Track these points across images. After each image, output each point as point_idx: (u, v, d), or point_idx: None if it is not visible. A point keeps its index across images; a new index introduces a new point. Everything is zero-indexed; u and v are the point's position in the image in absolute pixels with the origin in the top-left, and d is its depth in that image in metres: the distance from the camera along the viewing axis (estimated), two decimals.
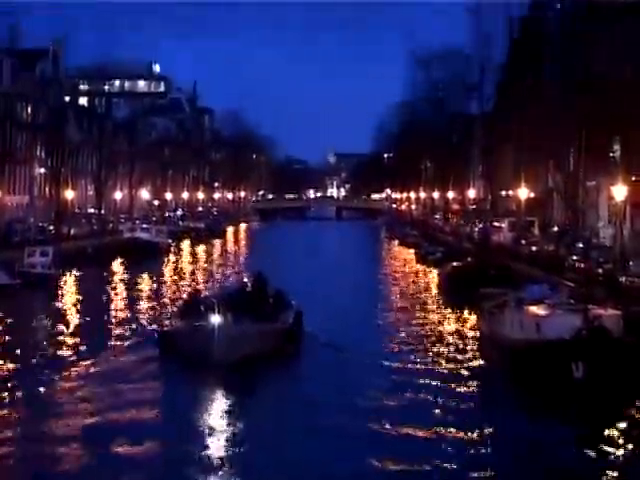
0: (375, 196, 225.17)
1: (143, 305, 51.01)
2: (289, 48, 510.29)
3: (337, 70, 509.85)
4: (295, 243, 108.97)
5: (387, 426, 24.56)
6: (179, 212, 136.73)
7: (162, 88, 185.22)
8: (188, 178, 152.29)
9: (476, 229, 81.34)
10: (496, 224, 76.21)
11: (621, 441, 23.61)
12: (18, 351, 35.19)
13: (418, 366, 32.50)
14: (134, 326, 42.09)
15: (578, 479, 21.71)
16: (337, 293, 54.58)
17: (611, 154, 54.23)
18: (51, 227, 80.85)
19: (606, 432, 24.14)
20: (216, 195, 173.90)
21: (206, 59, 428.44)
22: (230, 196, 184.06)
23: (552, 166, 65.61)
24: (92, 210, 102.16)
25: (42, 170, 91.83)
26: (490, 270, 50.58)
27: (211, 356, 31.03)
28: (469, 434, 23.93)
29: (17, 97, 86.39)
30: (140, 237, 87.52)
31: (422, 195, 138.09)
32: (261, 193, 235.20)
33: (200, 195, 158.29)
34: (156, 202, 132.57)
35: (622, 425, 24.80)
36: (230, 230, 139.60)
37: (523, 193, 68.26)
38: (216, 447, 23.17)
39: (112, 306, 50.71)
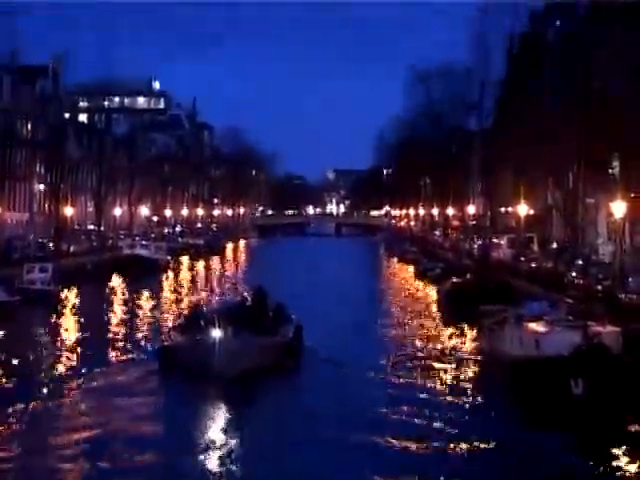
0: (374, 212, 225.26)
1: (143, 321, 51.13)
2: (289, 65, 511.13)
3: (336, 87, 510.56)
4: (294, 259, 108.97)
5: (387, 439, 24.67)
6: (178, 228, 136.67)
7: (162, 104, 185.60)
8: (187, 194, 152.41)
9: (475, 245, 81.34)
10: (495, 240, 76.25)
11: (620, 457, 23.61)
12: (18, 367, 35.28)
13: (418, 381, 32.62)
14: (134, 341, 42.31)
15: None
16: (336, 309, 54.61)
17: (610, 171, 54.26)
18: (51, 243, 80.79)
19: (605, 448, 24.16)
20: (215, 211, 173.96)
21: (205, 76, 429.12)
22: (229, 212, 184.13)
23: (551, 183, 65.67)
24: (92, 226, 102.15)
25: (42, 186, 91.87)
26: (489, 287, 50.56)
27: (212, 370, 31.19)
28: (468, 448, 24.01)
29: (17, 113, 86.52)
30: (139, 253, 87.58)
31: (421, 211, 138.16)
32: (260, 209, 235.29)
33: (199, 211, 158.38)
34: (155, 218, 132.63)
35: (621, 441, 24.80)
36: (229, 247, 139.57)
37: (522, 210, 68.29)
38: (216, 459, 23.27)
39: (112, 322, 50.78)
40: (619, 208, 45.70)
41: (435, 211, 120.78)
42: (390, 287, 75.85)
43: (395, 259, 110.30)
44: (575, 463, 23.29)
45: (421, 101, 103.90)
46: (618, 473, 22.50)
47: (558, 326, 30.47)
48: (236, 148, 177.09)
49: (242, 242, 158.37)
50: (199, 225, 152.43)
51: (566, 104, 55.58)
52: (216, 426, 27.10)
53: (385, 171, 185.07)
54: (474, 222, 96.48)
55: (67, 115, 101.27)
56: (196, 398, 30.30)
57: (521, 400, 29.01)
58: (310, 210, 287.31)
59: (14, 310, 49.68)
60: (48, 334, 44.80)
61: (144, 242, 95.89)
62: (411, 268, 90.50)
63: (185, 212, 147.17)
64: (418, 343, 42.09)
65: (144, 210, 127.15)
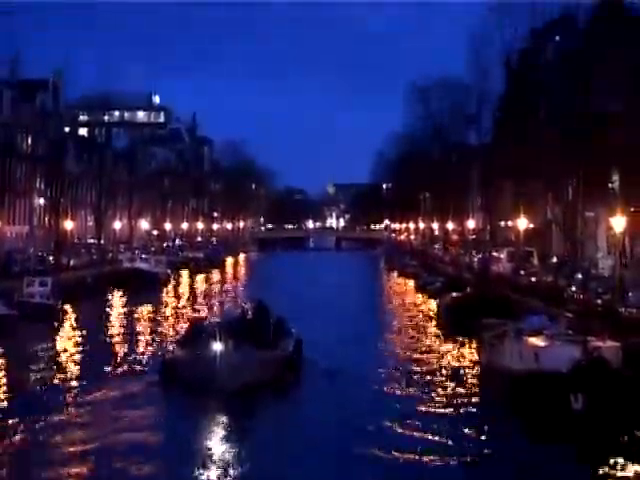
0: (374, 226, 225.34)
1: (143, 334, 51.21)
2: (289, 80, 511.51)
3: (336, 101, 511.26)
4: (294, 273, 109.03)
5: (387, 450, 24.82)
6: (177, 242, 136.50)
7: (162, 119, 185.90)
8: (187, 208, 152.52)
9: (475, 259, 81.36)
10: (495, 254, 76.27)
11: (620, 469, 23.62)
12: (18, 381, 35.35)
13: (417, 394, 32.76)
14: (134, 355, 42.45)
15: None
16: (337, 323, 54.66)
17: (610, 185, 54.31)
18: (50, 257, 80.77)
19: (605, 461, 24.15)
20: (215, 225, 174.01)
21: (205, 90, 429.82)
22: (229, 226, 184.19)
23: (551, 197, 65.71)
24: (92, 240, 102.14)
25: (42, 200, 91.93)
26: (489, 301, 50.56)
27: (213, 383, 31.38)
28: (468, 460, 24.27)
29: (17, 128, 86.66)
30: (139, 267, 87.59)
31: (421, 225, 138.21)
32: (260, 223, 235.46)
33: (199, 225, 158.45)
34: (155, 232, 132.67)
35: (621, 454, 24.78)
36: (229, 260, 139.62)
37: (522, 224, 68.32)
38: (217, 471, 23.49)
39: (112, 336, 50.76)
40: (619, 222, 45.72)
41: (435, 225, 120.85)
42: (390, 301, 75.87)
43: (395, 273, 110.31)
44: (575, 474, 23.30)
45: (420, 116, 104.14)
46: None
47: (558, 340, 30.49)
48: (236, 162, 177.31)
49: (242, 256, 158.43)
50: (199, 239, 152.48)
51: (565, 119, 55.64)
52: (217, 438, 27.26)
53: (385, 185, 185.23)
54: (474, 236, 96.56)
55: (67, 129, 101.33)
56: (197, 411, 30.46)
57: (521, 414, 28.99)
58: (310, 224, 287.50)
59: (13, 324, 49.64)
60: (48, 348, 44.81)
61: (144, 256, 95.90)
62: (411, 282, 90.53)
63: (185, 226, 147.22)
64: (418, 357, 42.12)
65: (144, 224, 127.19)
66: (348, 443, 25.86)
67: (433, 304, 65.32)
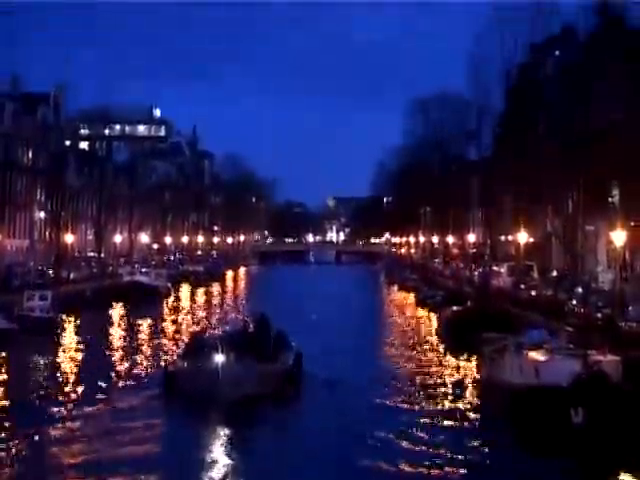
0: (375, 240, 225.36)
1: (143, 347, 51.25)
2: (289, 94, 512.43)
3: (336, 114, 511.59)
4: (295, 287, 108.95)
5: (387, 462, 24.98)
6: (177, 256, 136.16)
7: (162, 132, 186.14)
8: (188, 222, 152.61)
9: (475, 273, 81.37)
10: (495, 268, 76.28)
11: None
12: (19, 394, 35.34)
13: (418, 407, 32.85)
14: (135, 368, 42.53)
15: None
16: (337, 337, 54.61)
17: (610, 199, 54.37)
18: (51, 271, 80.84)
19: (605, 477, 24.15)
20: (215, 239, 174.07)
21: (206, 104, 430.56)
22: (229, 240, 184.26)
23: (551, 211, 65.75)
24: (92, 254, 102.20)
25: (42, 214, 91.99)
26: (490, 314, 50.55)
27: (214, 395, 31.63)
28: (468, 473, 24.25)
29: (18, 141, 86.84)
30: (139, 280, 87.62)
31: (422, 239, 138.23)
32: (260, 237, 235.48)
33: (200, 239, 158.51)
34: (156, 246, 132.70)
35: (621, 470, 24.77)
36: (229, 274, 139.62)
37: (522, 238, 68.34)
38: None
39: (112, 349, 50.79)
40: (619, 236, 45.75)
41: (435, 239, 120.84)
42: (390, 315, 75.81)
43: (395, 287, 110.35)
44: None
45: (421, 129, 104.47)
46: None
47: (558, 355, 30.46)
48: (236, 175, 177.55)
49: (242, 269, 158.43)
50: (199, 252, 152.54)
51: (565, 133, 55.74)
52: (218, 449, 27.34)
53: (385, 199, 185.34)
54: (474, 250, 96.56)
55: (68, 143, 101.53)
56: (199, 422, 30.66)
57: (521, 428, 28.96)
58: (310, 238, 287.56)
59: (14, 337, 49.65)
60: (48, 361, 44.88)
61: (144, 269, 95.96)
62: (412, 296, 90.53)
63: (185, 239, 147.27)
64: (418, 370, 42.13)
65: (144, 237, 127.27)
66: (348, 454, 26.05)
67: (433, 318, 65.34)
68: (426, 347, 52.04)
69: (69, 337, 56.02)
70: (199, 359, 34.23)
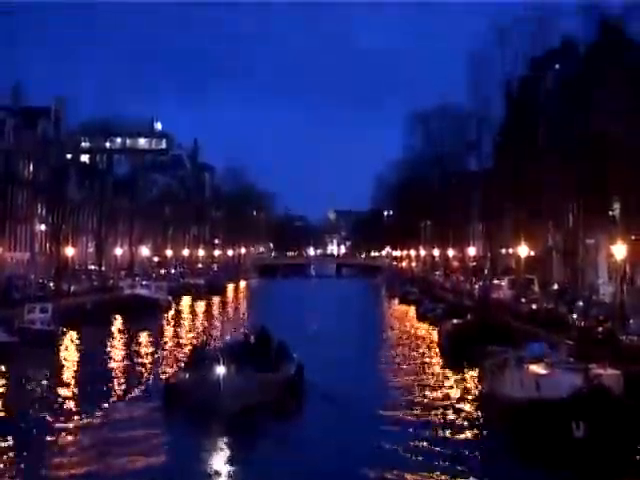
0: (375, 253, 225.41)
1: (144, 360, 51.28)
2: (289, 109, 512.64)
3: (337, 128, 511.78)
4: (296, 300, 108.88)
5: (390, 473, 25.08)
6: (178, 269, 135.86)
7: (163, 145, 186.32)
8: (188, 235, 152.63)
9: (476, 286, 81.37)
10: (496, 282, 76.24)
11: None
12: (21, 406, 35.41)
13: (418, 420, 32.84)
14: (136, 380, 42.63)
15: None
16: (337, 350, 54.57)
17: (610, 212, 54.38)
18: (51, 283, 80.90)
19: None
20: (216, 252, 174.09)
21: (206, 117, 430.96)
22: (230, 253, 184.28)
23: (551, 224, 65.78)
24: (92, 267, 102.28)
25: (43, 227, 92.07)
26: (490, 328, 50.53)
27: (216, 406, 31.83)
28: None
29: (19, 155, 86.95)
30: (140, 293, 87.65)
31: (422, 252, 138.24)
32: (266, 249, 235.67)
33: (200, 252, 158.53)
34: (156, 259, 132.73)
35: None
36: (230, 287, 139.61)
37: (523, 251, 68.35)
38: None
39: (113, 362, 50.89)
40: (620, 250, 45.75)
41: (436, 252, 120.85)
42: (391, 328, 75.72)
43: (396, 300, 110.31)
44: None
45: (421, 143, 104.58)
46: None
47: (559, 368, 30.44)
48: (237, 188, 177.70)
49: (243, 283, 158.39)
50: (200, 265, 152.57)
51: (565, 147, 55.83)
52: (219, 461, 27.50)
53: (386, 212, 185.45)
54: (474, 263, 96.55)
55: (69, 156, 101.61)
56: (200, 433, 30.83)
57: (522, 442, 28.91)
58: (311, 251, 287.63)
59: (14, 350, 49.63)
60: (49, 374, 44.87)
61: (145, 282, 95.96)
62: (412, 309, 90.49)
63: (186, 252, 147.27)
64: (419, 383, 42.07)
65: (145, 250, 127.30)
66: (349, 465, 26.23)
67: (434, 331, 65.28)
68: (426, 360, 52.00)
69: (70, 350, 56.01)
70: (201, 370, 34.47)
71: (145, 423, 32.05)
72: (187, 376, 36.03)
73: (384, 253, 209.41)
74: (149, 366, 48.40)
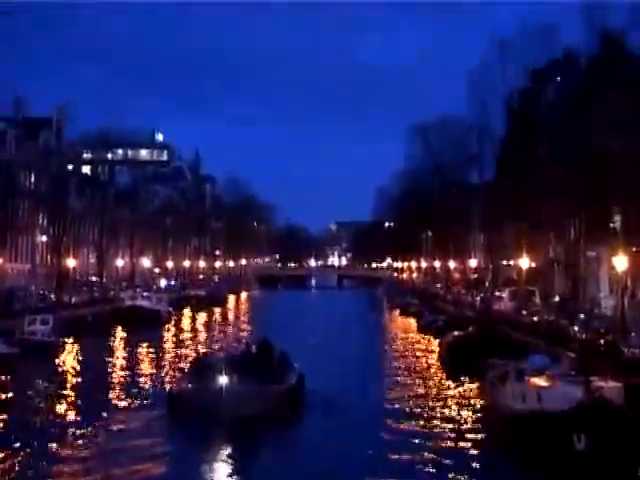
0: (376, 265, 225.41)
1: (145, 371, 51.43)
2: (290, 120, 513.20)
3: (337, 138, 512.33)
4: (297, 312, 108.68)
5: None
6: (177, 280, 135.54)
7: (165, 157, 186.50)
8: (189, 246, 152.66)
9: (477, 298, 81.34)
10: (497, 294, 76.19)
11: None
12: (23, 417, 35.65)
13: (419, 432, 32.82)
14: (138, 390, 42.86)
15: None
16: (339, 362, 54.62)
17: (612, 225, 54.36)
18: (52, 295, 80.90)
19: None
20: (217, 263, 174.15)
21: (207, 128, 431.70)
22: (231, 264, 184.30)
23: (553, 236, 65.77)
24: (94, 278, 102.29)
25: (44, 238, 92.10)
26: (491, 340, 50.51)
27: (218, 415, 32.29)
28: None
29: (20, 166, 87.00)
30: (141, 305, 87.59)
31: (423, 264, 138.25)
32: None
33: (201, 263, 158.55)
34: (157, 270, 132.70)
35: None
36: (231, 298, 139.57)
37: (524, 263, 68.34)
38: None
39: (114, 373, 51.00)
40: (621, 262, 45.72)
41: (437, 264, 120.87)
42: (392, 339, 75.67)
43: (397, 311, 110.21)
44: None
45: (421, 154, 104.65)
46: None
47: (560, 381, 30.40)
48: (237, 200, 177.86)
49: (244, 294, 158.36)
50: (201, 276, 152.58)
51: (566, 159, 55.85)
52: (221, 468, 27.76)
53: (387, 223, 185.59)
54: (476, 275, 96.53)
55: (70, 167, 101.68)
56: (202, 442, 31.01)
57: (523, 454, 28.85)
58: (312, 262, 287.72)
59: (14, 362, 49.59)
60: (50, 385, 44.94)
61: (145, 293, 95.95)
62: (413, 320, 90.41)
63: (187, 263, 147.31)
64: (420, 395, 42.04)
65: (146, 262, 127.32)
66: (350, 474, 26.40)
67: (435, 343, 65.23)
68: (428, 372, 51.96)
69: (70, 361, 55.97)
70: (203, 380, 35.03)
71: (148, 432, 32.31)
72: (190, 386, 36.58)
73: (385, 264, 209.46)
74: (150, 376, 48.59)
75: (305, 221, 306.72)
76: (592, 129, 50.79)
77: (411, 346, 69.05)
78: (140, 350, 62.68)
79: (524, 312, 63.79)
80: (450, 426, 34.03)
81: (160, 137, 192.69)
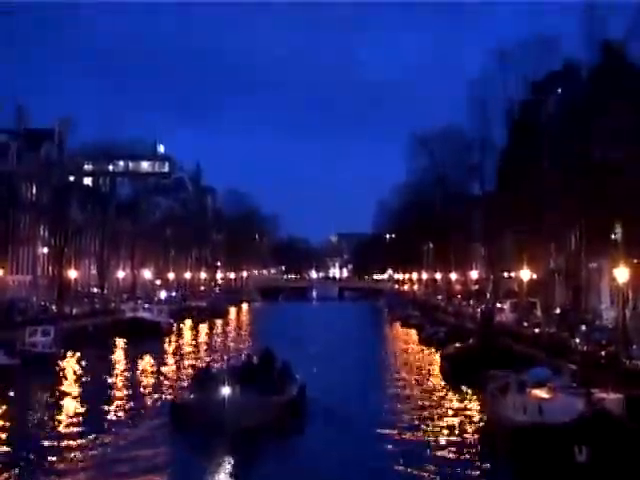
0: (377, 276, 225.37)
1: (146, 382, 51.43)
2: (291, 131, 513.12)
3: (338, 150, 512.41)
4: (298, 324, 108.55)
5: None
6: (178, 292, 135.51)
7: (166, 168, 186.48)
8: (190, 258, 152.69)
9: (478, 310, 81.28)
10: (498, 305, 76.15)
11: None
12: (24, 428, 35.78)
13: (420, 444, 32.75)
14: (139, 401, 43.03)
15: None
16: (340, 374, 54.61)
17: (612, 236, 54.35)
18: (53, 306, 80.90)
19: None
20: (218, 275, 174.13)
21: (208, 139, 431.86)
22: (232, 275, 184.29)
23: (554, 248, 65.76)
24: (95, 289, 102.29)
25: (45, 249, 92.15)
26: (492, 351, 50.48)
27: (220, 426, 32.49)
28: None
29: (22, 177, 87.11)
30: (141, 316, 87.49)
31: (424, 276, 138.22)
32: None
33: (202, 275, 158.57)
34: (158, 282, 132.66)
35: None
36: (232, 310, 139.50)
37: (525, 274, 68.33)
38: None
39: (115, 384, 51.01)
40: (622, 273, 45.70)
41: (438, 275, 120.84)
42: (394, 351, 75.64)
43: (398, 323, 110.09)
44: None
45: (423, 165, 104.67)
46: None
47: (561, 392, 30.36)
48: (239, 211, 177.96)
49: (245, 305, 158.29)
50: (202, 288, 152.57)
51: (566, 171, 55.89)
52: (224, 478, 27.98)
53: (388, 235, 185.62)
54: (477, 286, 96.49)
55: (72, 178, 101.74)
56: (205, 452, 31.16)
57: (524, 467, 28.80)
58: (313, 274, 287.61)
59: (14, 373, 49.54)
60: (51, 396, 44.94)
61: (147, 305, 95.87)
62: (414, 332, 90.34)
63: (188, 275, 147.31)
64: (420, 407, 41.97)
65: (147, 273, 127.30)
66: None
67: (436, 355, 65.15)
68: (429, 384, 51.89)
69: (71, 372, 55.91)
70: (206, 391, 35.28)
71: (150, 443, 32.43)
72: (193, 396, 36.89)
73: (386, 276, 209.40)
74: (151, 388, 48.60)
75: (306, 233, 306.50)
76: (593, 140, 50.87)
77: (412, 358, 69.02)
78: (141, 361, 62.67)
79: (525, 324, 63.74)
80: (451, 437, 34.00)
81: (161, 149, 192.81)
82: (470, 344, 56.95)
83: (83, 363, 60.45)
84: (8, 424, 36.71)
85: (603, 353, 42.62)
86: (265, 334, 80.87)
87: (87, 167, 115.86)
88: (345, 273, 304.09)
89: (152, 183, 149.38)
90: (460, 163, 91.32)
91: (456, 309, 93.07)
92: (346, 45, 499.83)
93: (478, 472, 28.74)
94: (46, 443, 32.04)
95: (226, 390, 33.74)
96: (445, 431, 35.41)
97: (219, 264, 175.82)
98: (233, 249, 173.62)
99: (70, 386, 49.78)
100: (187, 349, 75.47)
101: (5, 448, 31.50)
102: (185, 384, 43.79)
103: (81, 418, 38.08)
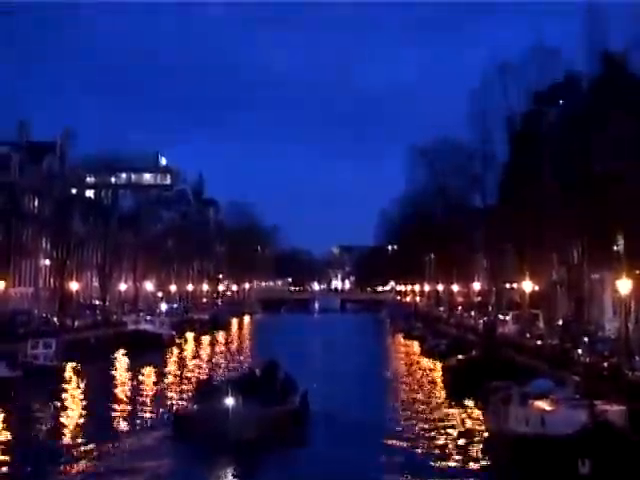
0: (379, 288, 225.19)
1: (148, 394, 51.61)
2: (292, 145, 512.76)
3: (339, 162, 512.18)
4: (300, 336, 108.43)
5: None
6: (178, 304, 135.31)
7: (168, 180, 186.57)
8: (192, 270, 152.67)
9: (480, 321, 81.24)
10: (501, 317, 76.04)
11: None
12: (27, 439, 35.93)
13: (421, 456, 32.74)
14: (142, 412, 43.36)
15: None
16: (342, 385, 54.60)
17: (615, 248, 54.27)
18: (55, 318, 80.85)
19: None
20: (220, 287, 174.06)
21: (209, 152, 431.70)
22: (234, 288, 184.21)
23: (556, 260, 65.67)
24: (97, 301, 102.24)
25: (47, 262, 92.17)
26: (495, 363, 50.40)
27: (224, 436, 32.74)
28: None
29: (24, 190, 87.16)
30: (144, 328, 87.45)
31: (427, 287, 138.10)
32: (267, 284, 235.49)
33: (204, 287, 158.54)
34: (160, 294, 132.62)
35: None
36: (234, 322, 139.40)
37: (527, 286, 68.25)
38: None
39: (117, 396, 51.02)
40: (625, 285, 45.63)
41: (440, 287, 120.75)
42: (396, 363, 75.57)
43: (401, 335, 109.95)
44: None
45: (423, 176, 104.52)
46: None
47: (564, 404, 30.27)
48: (241, 223, 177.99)
49: (247, 317, 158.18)
50: (204, 300, 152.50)
51: (567, 183, 55.86)
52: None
53: (390, 247, 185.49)
54: (479, 298, 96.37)
55: (74, 191, 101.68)
56: (208, 461, 31.61)
57: (527, 478, 28.75)
58: (315, 286, 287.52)
59: (16, 385, 49.49)
60: (54, 408, 45.13)
61: (149, 317, 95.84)
62: (417, 344, 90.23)
63: (190, 287, 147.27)
64: (422, 419, 41.95)
65: (149, 285, 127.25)
66: None
67: (439, 366, 65.04)
68: (431, 395, 51.88)
69: (73, 384, 55.92)
70: (209, 402, 35.57)
71: (153, 453, 32.64)
72: (196, 407, 37.18)
73: (388, 288, 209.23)
74: (153, 399, 48.84)
75: (308, 245, 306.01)
76: (594, 151, 50.83)
77: (414, 369, 68.94)
78: (143, 373, 62.64)
79: (528, 335, 63.65)
80: (453, 449, 33.99)
81: (163, 161, 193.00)
82: (473, 356, 56.91)
83: (85, 375, 60.40)
84: (10, 436, 36.72)
85: (606, 365, 42.56)
86: (267, 346, 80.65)
87: (89, 179, 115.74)
88: (347, 285, 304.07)
89: (154, 195, 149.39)
90: (461, 174, 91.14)
91: (458, 321, 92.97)
92: (345, 62, 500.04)
93: None
94: (48, 455, 32.10)
95: (229, 401, 34.00)
96: (448, 442, 35.40)
97: (221, 276, 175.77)
98: (235, 261, 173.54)
99: (72, 398, 49.81)
100: (189, 361, 75.42)
101: (7, 459, 31.46)
102: (187, 395, 43.81)
103: (83, 429, 38.18)
